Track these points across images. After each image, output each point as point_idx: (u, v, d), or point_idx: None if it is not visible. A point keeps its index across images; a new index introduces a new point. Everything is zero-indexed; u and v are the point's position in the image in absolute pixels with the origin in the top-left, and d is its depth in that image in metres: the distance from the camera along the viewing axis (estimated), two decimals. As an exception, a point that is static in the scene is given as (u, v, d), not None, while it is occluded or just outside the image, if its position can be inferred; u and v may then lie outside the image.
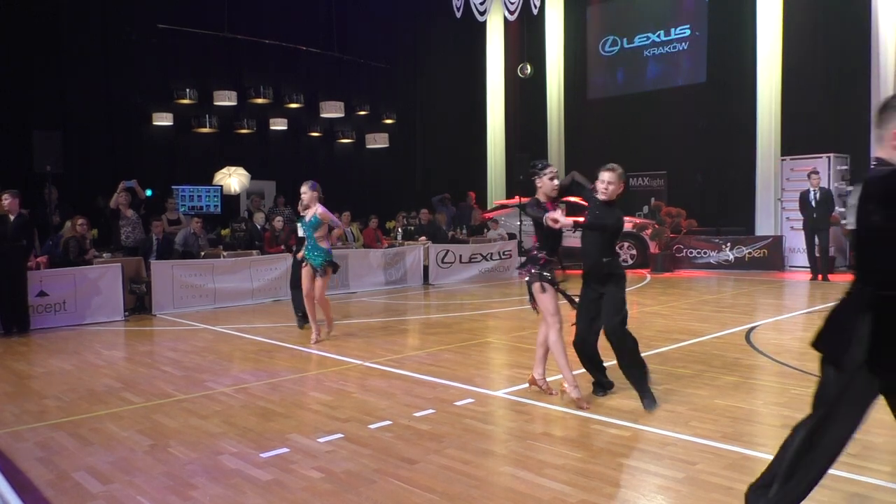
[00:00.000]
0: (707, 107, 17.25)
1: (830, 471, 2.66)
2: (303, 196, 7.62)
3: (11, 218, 8.72)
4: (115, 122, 14.41)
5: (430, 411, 4.91)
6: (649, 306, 10.17)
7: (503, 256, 15.04)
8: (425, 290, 13.06)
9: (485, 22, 20.52)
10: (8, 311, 8.76)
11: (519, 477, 3.71)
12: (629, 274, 15.06)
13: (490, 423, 4.70)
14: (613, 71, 19.66)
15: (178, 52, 15.47)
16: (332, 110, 17.75)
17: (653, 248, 15.61)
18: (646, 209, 17.04)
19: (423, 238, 14.42)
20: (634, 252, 16.13)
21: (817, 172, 13.17)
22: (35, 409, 5.27)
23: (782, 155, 15.44)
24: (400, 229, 15.19)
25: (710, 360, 6.36)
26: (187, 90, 15.59)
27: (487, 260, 14.75)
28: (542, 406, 5.00)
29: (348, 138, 18.59)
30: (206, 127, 15.90)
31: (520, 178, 16.77)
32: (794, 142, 15.42)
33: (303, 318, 8.55)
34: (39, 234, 10.42)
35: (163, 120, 15.30)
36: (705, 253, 15.52)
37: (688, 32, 18.20)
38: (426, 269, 13.71)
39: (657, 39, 18.77)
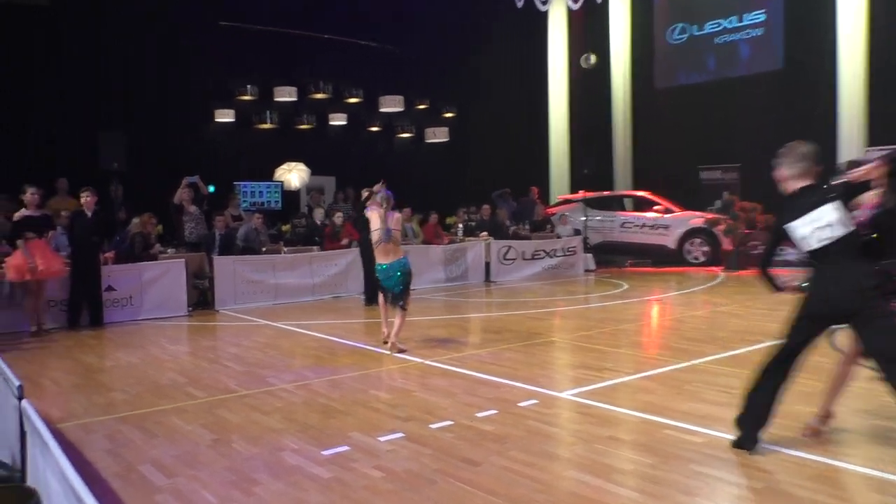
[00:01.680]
0: (784, 95, 16.62)
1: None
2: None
3: (89, 214, 9.08)
4: (177, 120, 14.80)
5: (493, 412, 4.87)
6: (723, 305, 9.91)
7: (567, 253, 14.86)
8: (486, 288, 13.01)
9: (546, 12, 20.29)
10: (80, 306, 9.13)
11: (585, 482, 3.64)
12: (700, 272, 14.71)
13: (555, 426, 4.63)
14: (682, 59, 19.16)
15: (239, 50, 15.78)
16: (391, 105, 17.86)
17: (726, 244, 15.16)
18: (718, 203, 16.54)
19: (485, 234, 14.37)
20: (707, 249, 15.71)
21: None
22: (103, 401, 5.46)
23: (868, 146, 14.75)
24: (460, 225, 15.18)
25: (790, 363, 6.12)
26: (248, 87, 15.91)
27: (551, 256, 14.60)
28: (610, 409, 4.90)
29: (407, 133, 18.66)
30: (266, 123, 16.20)
31: (584, 173, 16.56)
32: (882, 131, 14.70)
33: (371, 297, 8.56)
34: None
35: (224, 117, 15.66)
36: (782, 250, 14.94)
37: (762, 17, 17.58)
38: (487, 265, 13.66)
39: (729, 26, 18.20)
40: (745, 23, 17.87)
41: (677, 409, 4.82)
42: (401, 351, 7.02)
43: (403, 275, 7.02)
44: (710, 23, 18.51)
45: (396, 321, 7.10)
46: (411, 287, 7.21)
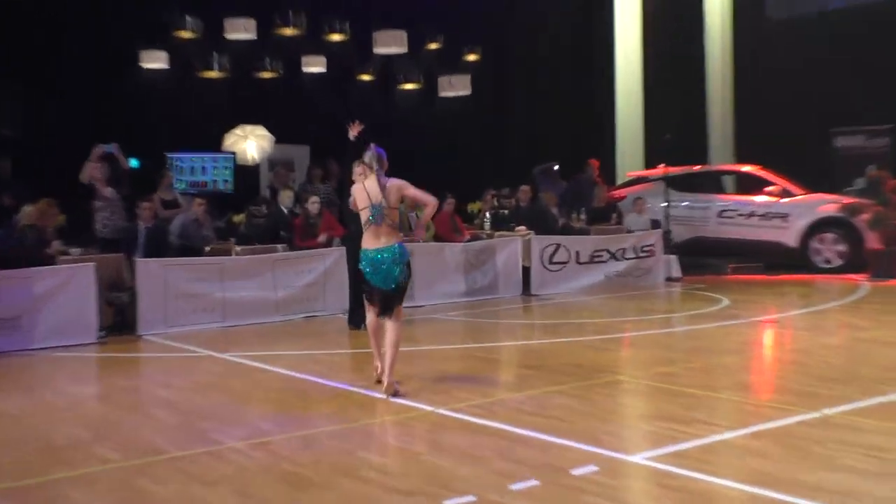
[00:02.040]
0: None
1: None
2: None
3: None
4: (89, 67, 14.87)
5: (534, 483, 4.82)
6: (866, 330, 9.80)
7: (641, 254, 14.78)
8: (525, 304, 12.97)
9: None
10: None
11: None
12: (834, 280, 14.58)
13: (622, 503, 4.57)
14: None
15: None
16: (389, 43, 17.81)
17: (872, 241, 15.00)
18: (860, 182, 16.38)
19: (523, 227, 14.32)
20: (843, 248, 15.55)
21: None
22: (-27, 468, 5.44)
23: None
24: (488, 214, 15.15)
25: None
26: (188, 19, 15.95)
27: (618, 259, 14.53)
28: (704, 479, 4.83)
29: (413, 83, 18.70)
30: (212, 70, 16.29)
31: (665, 139, 16.47)
32: None
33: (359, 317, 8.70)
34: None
35: (154, 61, 15.73)
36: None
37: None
38: (526, 272, 13.65)
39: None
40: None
41: (802, 481, 4.74)
42: (397, 394, 6.96)
43: (399, 266, 7.01)
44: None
45: (389, 348, 7.01)
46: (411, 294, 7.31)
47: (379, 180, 7.04)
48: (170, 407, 6.92)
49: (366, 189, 7.07)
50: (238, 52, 16.55)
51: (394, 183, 7.09)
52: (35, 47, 14.22)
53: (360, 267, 7.12)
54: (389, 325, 7.04)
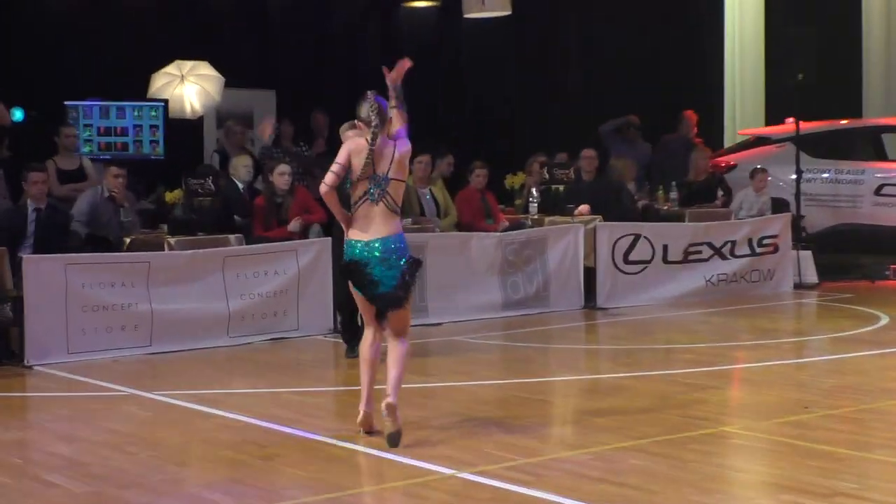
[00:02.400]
0: None
1: None
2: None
3: None
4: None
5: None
6: None
7: (760, 249, 14.75)
8: (589, 321, 13.04)
9: None
10: None
11: None
12: None
13: None
14: None
15: None
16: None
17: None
18: None
19: (584, 209, 14.31)
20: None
21: None
22: None
23: None
24: (534, 191, 15.13)
25: None
26: None
27: (725, 257, 14.54)
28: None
29: (425, -1, 18.71)
30: (136, -17, 16.36)
31: (798, 80, 16.41)
32: None
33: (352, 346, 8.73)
34: None
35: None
36: None
37: None
38: (590, 275, 13.68)
39: None
40: None
41: None
42: (394, 433, 7.05)
43: (400, 261, 7.13)
44: None
45: (393, 367, 7.18)
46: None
47: (381, 141, 7.10)
48: (74, 469, 6.92)
49: (357, 153, 7.12)
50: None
51: (401, 149, 7.25)
52: None
53: (346, 263, 7.23)
54: (394, 344, 7.26)
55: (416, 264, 7.25)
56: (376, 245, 7.04)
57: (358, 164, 7.08)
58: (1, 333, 10.69)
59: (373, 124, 7.03)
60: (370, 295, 7.16)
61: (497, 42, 18.99)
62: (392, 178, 7.08)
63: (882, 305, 13.41)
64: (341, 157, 7.19)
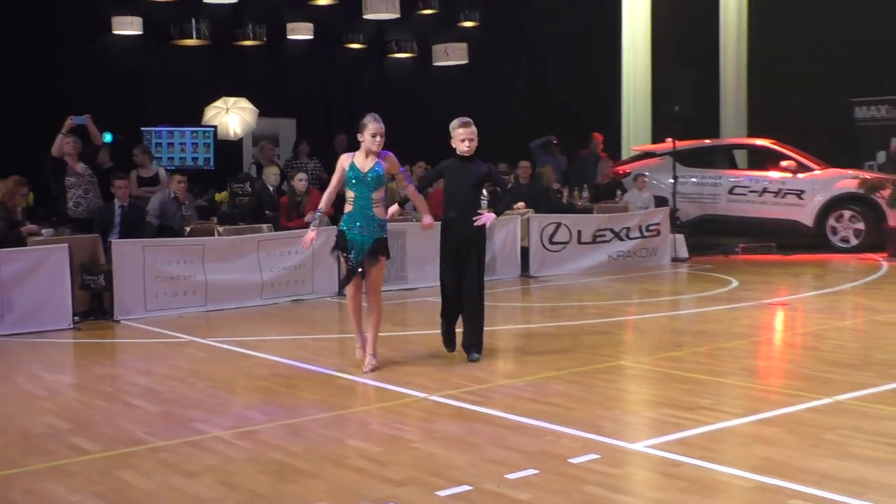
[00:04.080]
0: None
1: None
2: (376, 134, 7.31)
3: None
4: (57, 33, 14.81)
5: (531, 472, 4.90)
6: (884, 313, 9.86)
7: (647, 233, 14.83)
8: (524, 286, 13.03)
9: None
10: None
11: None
12: (851, 260, 14.64)
13: (625, 493, 4.65)
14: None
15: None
16: (380, 8, 17.74)
17: (892, 218, 15.06)
18: (882, 156, 16.43)
19: (521, 205, 14.34)
20: (861, 226, 15.63)
21: None
22: (-54, 459, 5.51)
23: None
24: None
25: None
26: (163, -18, 15.91)
27: (622, 238, 14.57)
28: (709, 468, 4.91)
29: (406, 52, 18.67)
30: (191, 38, 16.23)
31: (674, 111, 16.49)
32: None
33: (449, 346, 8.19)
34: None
35: (127, 28, 15.66)
36: None
37: None
38: (525, 252, 13.70)
39: None
40: None
41: (811, 470, 4.82)
42: (374, 369, 7.40)
43: (380, 231, 7.40)
44: None
45: (371, 317, 7.56)
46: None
47: (377, 156, 7.38)
48: (150, 395, 6.97)
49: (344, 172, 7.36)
50: (218, 17, 16.48)
51: (385, 163, 7.45)
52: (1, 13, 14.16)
53: (340, 226, 7.45)
54: (369, 295, 7.49)
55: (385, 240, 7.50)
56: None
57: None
58: (96, 296, 10.66)
59: (373, 140, 7.28)
60: (357, 251, 7.36)
61: (456, 83, 18.99)
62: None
63: (733, 273, 13.49)
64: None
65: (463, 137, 7.69)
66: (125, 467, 5.21)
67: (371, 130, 7.21)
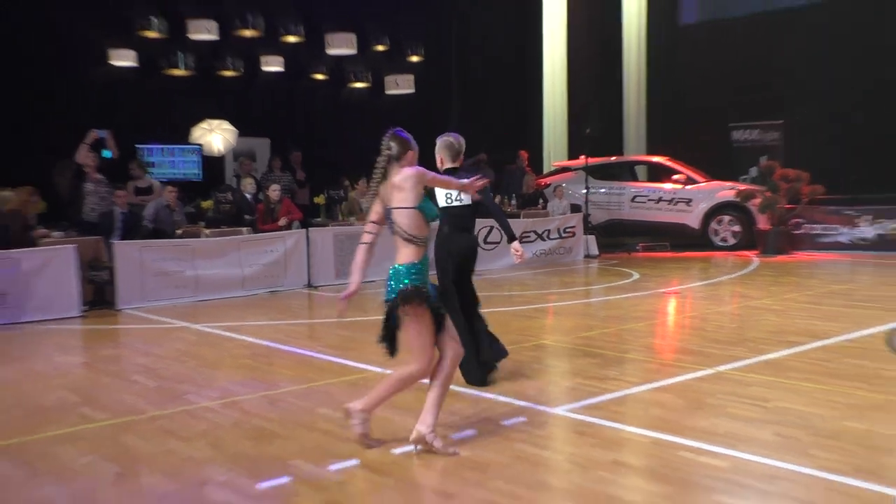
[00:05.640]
0: (840, 30, 16.87)
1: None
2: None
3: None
4: (60, 64, 14.54)
5: (471, 432, 4.98)
6: (756, 299, 10.08)
7: (564, 235, 15.01)
8: (463, 279, 13.10)
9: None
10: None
11: (584, 517, 3.74)
12: (729, 257, 14.95)
13: (547, 448, 4.75)
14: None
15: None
16: (340, 45, 17.71)
17: (762, 222, 15.42)
18: (754, 171, 16.80)
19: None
20: (737, 228, 15.98)
21: None
22: (-27, 428, 5.45)
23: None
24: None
25: (840, 371, 6.29)
26: (153, 19, 15.65)
27: (544, 239, 14.73)
28: (614, 427, 5.03)
29: (362, 82, 18.62)
30: (178, 68, 16.05)
31: (586, 133, 16.70)
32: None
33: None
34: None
35: (123, 59, 15.43)
36: (835, 229, 15.29)
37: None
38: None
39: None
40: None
41: (697, 427, 4.96)
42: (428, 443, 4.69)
43: (390, 295, 4.96)
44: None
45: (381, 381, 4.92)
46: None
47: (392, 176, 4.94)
48: (149, 372, 6.95)
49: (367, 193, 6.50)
50: (202, 51, 16.33)
51: (403, 174, 4.91)
52: (15, 48, 13.89)
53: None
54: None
55: (404, 299, 4.86)
56: (390, 273, 4.97)
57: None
58: (100, 289, 10.56)
59: (394, 160, 4.99)
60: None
61: (406, 109, 18.97)
62: (392, 208, 4.85)
63: (635, 267, 13.71)
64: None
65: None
66: (128, 433, 5.20)
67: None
